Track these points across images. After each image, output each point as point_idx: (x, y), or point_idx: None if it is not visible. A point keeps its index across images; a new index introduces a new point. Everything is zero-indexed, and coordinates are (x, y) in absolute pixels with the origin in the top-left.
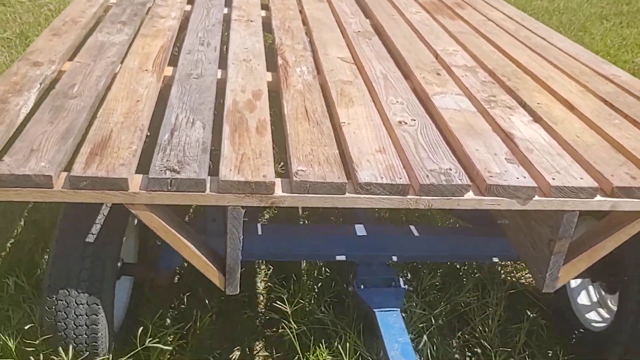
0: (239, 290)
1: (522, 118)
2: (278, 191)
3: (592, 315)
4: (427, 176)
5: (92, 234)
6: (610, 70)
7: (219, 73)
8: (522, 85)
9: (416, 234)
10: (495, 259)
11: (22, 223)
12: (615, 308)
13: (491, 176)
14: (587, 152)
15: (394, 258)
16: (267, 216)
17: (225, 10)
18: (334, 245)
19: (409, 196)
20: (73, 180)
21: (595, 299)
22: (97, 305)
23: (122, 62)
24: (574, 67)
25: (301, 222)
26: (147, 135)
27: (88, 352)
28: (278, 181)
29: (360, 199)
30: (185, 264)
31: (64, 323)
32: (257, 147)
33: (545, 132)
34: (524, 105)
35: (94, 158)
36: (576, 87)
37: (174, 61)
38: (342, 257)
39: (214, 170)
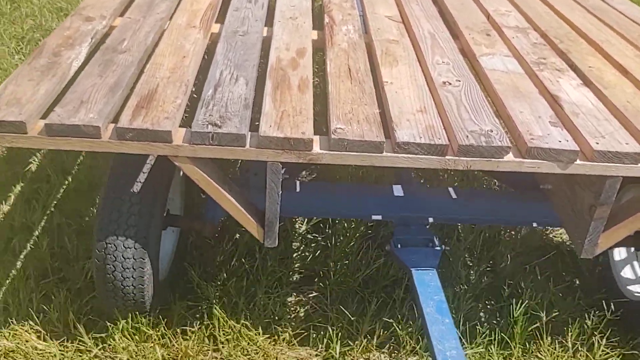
0: (277, 243)
1: (571, 81)
2: (316, 148)
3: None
4: (467, 137)
5: (139, 183)
6: None
7: (265, 30)
8: (575, 48)
9: (454, 196)
10: (536, 224)
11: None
12: None
13: (533, 139)
14: (637, 117)
15: (430, 220)
16: (307, 175)
17: None
18: (371, 204)
19: (447, 157)
20: (120, 131)
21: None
22: (144, 251)
23: (170, 19)
24: (633, 31)
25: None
26: (192, 91)
27: (134, 299)
28: (317, 138)
29: (398, 159)
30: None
31: (112, 266)
32: (297, 104)
33: (594, 96)
34: (574, 68)
35: (140, 111)
36: (633, 52)
37: (221, 18)
38: (379, 217)
39: (255, 126)
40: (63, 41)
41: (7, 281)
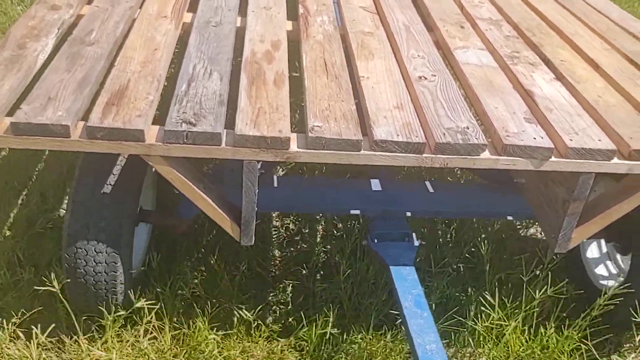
0: (253, 241)
1: (544, 75)
2: (293, 146)
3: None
4: (444, 134)
5: (110, 183)
6: (639, 28)
7: (239, 21)
8: (547, 41)
9: (431, 190)
10: (510, 217)
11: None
12: (627, 268)
13: (508, 136)
14: (608, 113)
15: (408, 214)
16: (283, 168)
17: None
18: (349, 199)
19: (424, 155)
20: (90, 130)
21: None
22: (116, 254)
23: (140, 7)
24: (601, 23)
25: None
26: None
27: (106, 296)
28: (294, 136)
29: (375, 157)
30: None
31: (84, 270)
32: (274, 100)
33: (566, 90)
34: (547, 62)
35: (111, 108)
36: (602, 45)
37: (193, 7)
38: (357, 212)
39: (229, 122)
40: (28, 32)
41: None
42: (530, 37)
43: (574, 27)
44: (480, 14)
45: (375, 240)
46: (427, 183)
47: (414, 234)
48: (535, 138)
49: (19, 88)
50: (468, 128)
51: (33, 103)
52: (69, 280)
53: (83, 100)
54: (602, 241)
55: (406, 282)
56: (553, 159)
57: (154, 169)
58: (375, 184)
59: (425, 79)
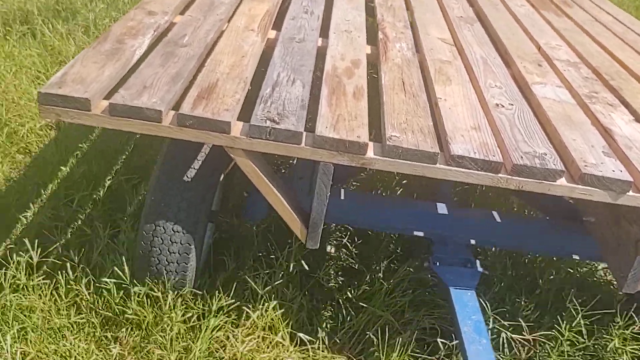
0: (318, 245)
1: (623, 116)
2: (370, 153)
3: None
4: (522, 157)
5: (193, 170)
6: None
7: (320, 41)
8: (626, 86)
9: (498, 220)
10: (576, 257)
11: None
12: None
13: (586, 165)
14: None
15: (472, 241)
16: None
17: None
18: (414, 220)
19: (500, 174)
20: (181, 117)
21: None
22: (190, 243)
23: (229, 21)
24: None
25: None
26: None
27: (176, 284)
28: (371, 144)
29: (450, 171)
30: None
31: (157, 259)
32: (353, 110)
33: None
34: (626, 104)
35: (201, 101)
36: None
37: (277, 26)
38: (421, 234)
39: (309, 128)
40: (127, 30)
41: None
42: (609, 80)
43: None
44: (558, 56)
45: (437, 264)
46: (494, 212)
47: (477, 261)
48: (614, 170)
49: (117, 76)
50: (546, 154)
51: (130, 89)
52: (142, 256)
53: (175, 91)
54: None
55: (467, 307)
56: (631, 193)
57: (226, 172)
58: (442, 208)
59: (503, 106)
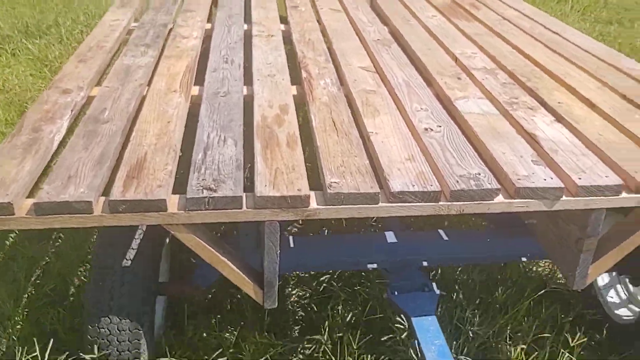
0: (276, 303)
1: (544, 118)
2: (313, 204)
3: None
4: (457, 182)
5: (129, 258)
6: (626, 64)
7: (245, 89)
8: (542, 85)
9: (445, 238)
10: (524, 259)
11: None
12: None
13: (519, 179)
14: (610, 150)
15: (425, 263)
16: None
17: (246, 27)
18: (366, 253)
19: (440, 202)
20: (112, 204)
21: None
22: (139, 328)
23: (149, 85)
24: (591, 63)
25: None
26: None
27: None
28: (312, 194)
29: (393, 208)
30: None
31: (107, 340)
32: (289, 161)
33: (568, 131)
34: (544, 105)
35: (132, 181)
36: (594, 84)
37: (199, 80)
38: (374, 265)
39: (248, 186)
40: (42, 115)
41: None
42: (526, 82)
43: (565, 68)
44: (475, 64)
45: (396, 293)
46: (441, 231)
47: (433, 284)
48: (545, 179)
49: (38, 170)
50: (479, 174)
51: (54, 182)
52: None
53: (103, 175)
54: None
55: (428, 332)
56: (564, 198)
57: (167, 241)
58: (390, 236)
59: (432, 130)
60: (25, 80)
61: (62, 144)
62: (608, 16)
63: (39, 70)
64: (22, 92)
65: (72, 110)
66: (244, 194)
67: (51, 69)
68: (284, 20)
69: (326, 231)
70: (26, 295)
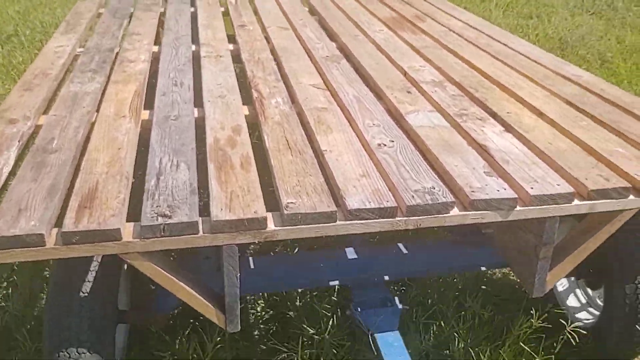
0: (239, 327)
1: (494, 129)
2: (270, 225)
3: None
4: (413, 197)
5: (86, 289)
6: (571, 71)
7: (196, 112)
8: (490, 95)
9: (405, 251)
10: (483, 268)
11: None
12: (601, 303)
13: (473, 191)
14: (561, 158)
15: (386, 277)
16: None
17: (194, 48)
18: (327, 271)
19: (397, 218)
20: (65, 236)
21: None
22: (99, 355)
23: (97, 111)
24: (537, 72)
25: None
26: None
27: None
28: (269, 215)
29: (351, 226)
30: (181, 307)
31: None
32: (244, 183)
33: (518, 141)
34: (494, 115)
35: (84, 211)
36: (541, 92)
37: (149, 103)
38: (336, 282)
39: (203, 210)
40: None
41: None
42: (474, 93)
43: (513, 78)
44: (424, 77)
45: (359, 309)
46: (400, 245)
47: (396, 298)
48: (498, 190)
49: None
50: (434, 188)
51: (4, 216)
52: None
53: (54, 207)
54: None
55: (392, 348)
56: (518, 208)
57: (125, 267)
58: (350, 252)
59: (385, 145)
60: None
61: (10, 176)
62: (529, 11)
63: (4, 74)
64: None
65: (19, 141)
66: (200, 218)
67: (17, 73)
68: (232, 39)
69: (287, 250)
70: None
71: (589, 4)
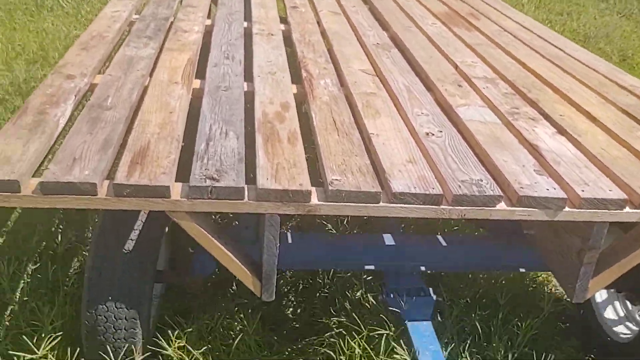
0: (274, 296)
1: (546, 129)
2: (314, 200)
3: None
4: (460, 187)
5: (130, 244)
6: (628, 81)
7: (246, 85)
8: (543, 97)
9: (444, 244)
10: (523, 269)
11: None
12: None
13: (522, 187)
14: (614, 164)
15: (422, 268)
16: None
17: (246, 24)
18: (364, 254)
19: (442, 206)
20: (117, 188)
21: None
22: (135, 317)
23: (151, 76)
24: (592, 78)
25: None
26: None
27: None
28: (314, 190)
29: (394, 209)
30: (218, 271)
31: (104, 337)
32: (290, 156)
33: (570, 144)
34: (546, 117)
35: (135, 167)
36: (596, 99)
37: (200, 74)
38: (372, 267)
39: (249, 180)
40: (47, 99)
41: None
42: (527, 93)
43: (567, 82)
44: (475, 73)
45: (391, 296)
46: (439, 237)
47: (430, 289)
48: (548, 189)
49: (44, 150)
50: (482, 180)
51: (60, 164)
52: (88, 335)
53: (107, 160)
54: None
55: (424, 337)
56: (567, 209)
57: (166, 229)
58: (388, 239)
59: (433, 134)
60: (64, 28)
61: (66, 128)
62: (560, 8)
63: (72, 21)
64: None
65: (75, 96)
66: (246, 185)
67: (86, 19)
68: (283, 20)
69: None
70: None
71: (621, 6)
